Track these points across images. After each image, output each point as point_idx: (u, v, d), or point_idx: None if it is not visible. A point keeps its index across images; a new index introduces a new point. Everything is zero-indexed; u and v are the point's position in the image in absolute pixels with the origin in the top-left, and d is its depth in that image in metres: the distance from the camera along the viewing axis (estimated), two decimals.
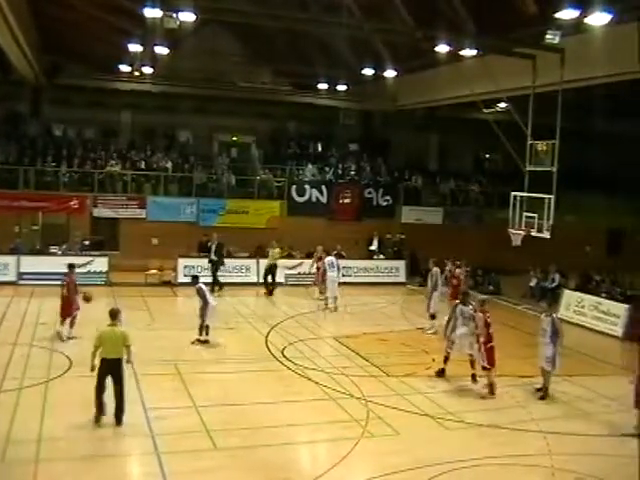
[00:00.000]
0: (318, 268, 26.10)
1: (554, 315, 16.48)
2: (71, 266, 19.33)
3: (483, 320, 15.74)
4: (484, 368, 15.70)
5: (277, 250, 27.03)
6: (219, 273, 26.54)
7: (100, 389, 12.58)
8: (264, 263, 27.27)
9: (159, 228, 29.72)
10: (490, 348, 15.62)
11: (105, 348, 12.59)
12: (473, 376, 16.39)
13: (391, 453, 12.05)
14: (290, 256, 29.73)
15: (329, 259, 24.79)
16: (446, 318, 17.24)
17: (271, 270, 26.79)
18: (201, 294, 18.69)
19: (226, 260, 27.36)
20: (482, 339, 15.62)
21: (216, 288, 25.42)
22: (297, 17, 23.42)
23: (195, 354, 17.74)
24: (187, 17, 19.88)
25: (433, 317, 21.41)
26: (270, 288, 26.65)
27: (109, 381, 12.60)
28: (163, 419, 12.99)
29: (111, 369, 12.57)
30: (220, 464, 11.35)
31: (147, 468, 11.12)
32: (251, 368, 16.90)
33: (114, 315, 13.01)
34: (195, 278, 19.75)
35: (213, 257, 26.49)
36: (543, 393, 15.87)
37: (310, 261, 27.22)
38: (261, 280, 27.29)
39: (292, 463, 11.71)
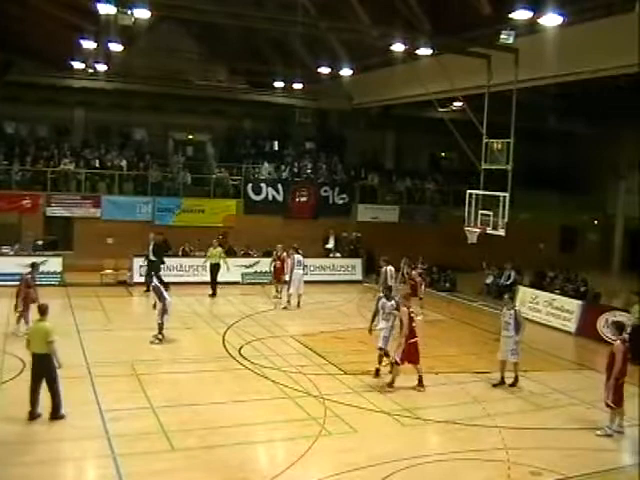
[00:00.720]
0: (275, 267, 26.04)
1: (516, 308, 17.00)
2: (33, 265, 19.60)
3: (407, 315, 15.79)
4: (395, 363, 15.77)
5: (218, 249, 26.52)
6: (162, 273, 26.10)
7: (32, 385, 12.68)
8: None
9: (114, 227, 29.39)
10: (412, 344, 15.68)
11: (33, 343, 12.84)
12: (377, 371, 16.54)
13: (348, 450, 12.08)
14: (247, 255, 29.68)
15: (298, 257, 24.78)
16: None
17: (213, 270, 26.31)
18: (157, 292, 18.60)
19: (183, 259, 27.15)
20: (405, 333, 15.59)
21: (143, 289, 25.34)
22: (253, 15, 23.38)
23: (152, 354, 17.59)
24: (142, 14, 19.68)
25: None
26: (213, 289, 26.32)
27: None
28: (119, 420, 12.86)
29: (38, 364, 12.68)
30: (177, 465, 11.26)
31: (103, 470, 10.97)
32: (208, 368, 16.80)
33: (43, 311, 13.18)
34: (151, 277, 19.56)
35: (152, 257, 25.88)
36: (514, 380, 16.39)
37: (269, 260, 27.04)
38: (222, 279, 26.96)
39: (250, 462, 11.66)
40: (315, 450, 12.01)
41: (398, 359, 15.66)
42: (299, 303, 24.47)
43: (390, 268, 22.36)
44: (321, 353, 18.48)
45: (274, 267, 26.22)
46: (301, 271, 24.53)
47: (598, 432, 13.26)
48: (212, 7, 22.05)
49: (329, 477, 11.02)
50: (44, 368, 12.66)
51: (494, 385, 16.49)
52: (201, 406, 13.97)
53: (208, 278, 26.38)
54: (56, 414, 12.66)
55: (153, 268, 25.13)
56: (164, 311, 18.47)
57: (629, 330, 20.20)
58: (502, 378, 16.52)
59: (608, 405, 13.38)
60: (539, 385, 16.65)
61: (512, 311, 16.51)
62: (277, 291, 25.71)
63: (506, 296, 17.79)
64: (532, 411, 14.93)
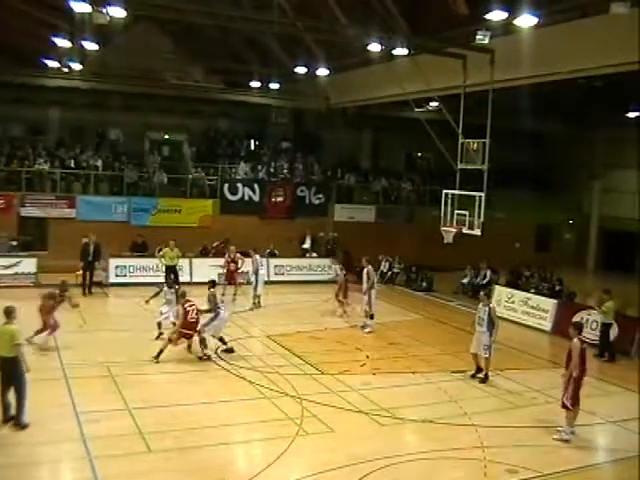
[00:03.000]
0: (229, 269, 25.65)
1: (491, 305, 17.27)
2: None
3: None
4: None
5: (176, 251, 25.85)
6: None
7: (1, 389, 12.48)
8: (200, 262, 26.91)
9: (90, 228, 29.08)
10: None
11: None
12: None
13: (326, 450, 12.09)
14: (224, 255, 29.48)
15: (259, 258, 24.77)
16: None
17: (170, 272, 25.52)
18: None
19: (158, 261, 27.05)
20: None
21: (86, 291, 25.16)
22: (229, 15, 23.29)
23: (128, 356, 17.41)
24: (117, 12, 19.55)
25: (372, 317, 21.57)
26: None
27: None
28: (95, 422, 12.74)
29: (6, 368, 12.40)
30: (154, 467, 11.20)
31: (80, 473, 10.88)
32: (185, 369, 16.71)
33: (8, 313, 12.76)
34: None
35: (91, 258, 25.63)
36: (483, 377, 16.63)
37: (249, 260, 26.80)
38: (194, 280, 26.75)
39: (228, 463, 11.64)
40: (292, 450, 12.00)
41: None
42: (260, 303, 24.40)
43: (370, 268, 22.34)
44: (298, 353, 18.46)
45: (227, 270, 25.75)
46: (264, 272, 24.60)
47: (555, 436, 13.23)
48: (189, 6, 21.99)
49: (306, 477, 11.01)
50: (12, 372, 12.39)
51: (471, 376, 16.84)
52: (178, 407, 13.90)
53: (187, 279, 26.19)
54: (18, 421, 12.37)
55: (94, 268, 25.38)
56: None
57: (598, 327, 20.58)
58: (478, 367, 16.87)
59: (565, 406, 13.25)
60: (515, 383, 16.76)
61: (487, 307, 16.79)
62: (234, 294, 25.25)
63: (482, 293, 18.12)
64: (508, 409, 15.01)
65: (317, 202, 35.46)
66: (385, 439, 12.89)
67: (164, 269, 25.81)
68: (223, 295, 24.02)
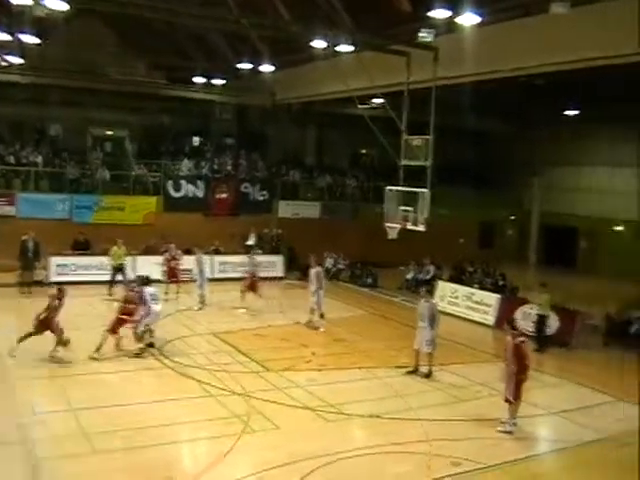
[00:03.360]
0: (170, 267, 25.13)
1: (432, 301, 17.59)
2: None
3: None
4: None
5: (123, 249, 25.58)
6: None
7: None
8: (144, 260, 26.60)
9: (30, 226, 28.48)
10: None
11: None
12: None
13: (272, 448, 12.07)
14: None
15: (203, 255, 24.59)
16: None
17: (117, 271, 25.32)
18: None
19: (103, 258, 26.62)
20: None
21: (26, 289, 24.72)
22: (174, 10, 23.01)
23: (71, 355, 17.10)
24: (58, 5, 19.18)
25: (322, 316, 21.55)
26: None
27: None
28: (39, 424, 12.52)
29: None
30: (99, 467, 11.03)
31: (22, 476, 10.67)
32: (129, 368, 16.50)
33: None
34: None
35: (30, 255, 25.26)
36: (427, 372, 16.81)
37: (190, 258, 26.51)
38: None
39: (174, 462, 11.56)
40: (238, 448, 11.95)
41: None
42: (205, 301, 24.16)
43: (319, 269, 22.23)
44: (244, 351, 18.39)
45: (169, 267, 25.20)
46: (208, 269, 24.64)
47: (499, 428, 13.45)
48: (133, 0, 21.65)
49: (252, 475, 10.99)
50: None
51: (408, 372, 16.98)
52: (123, 407, 13.72)
53: (132, 277, 25.78)
54: None
55: (30, 268, 25.09)
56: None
57: (535, 319, 21.00)
58: (416, 366, 17.00)
59: (507, 399, 13.49)
60: (459, 377, 16.97)
61: (427, 303, 17.05)
62: (177, 292, 24.79)
63: (423, 289, 18.36)
64: (453, 403, 15.19)
65: (261, 198, 35.38)
66: (331, 435, 12.93)
67: (111, 268, 25.41)
68: (166, 294, 23.79)
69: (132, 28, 30.69)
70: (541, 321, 20.88)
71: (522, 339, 13.82)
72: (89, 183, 32.04)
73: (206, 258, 24.83)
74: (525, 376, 13.50)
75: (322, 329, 21.36)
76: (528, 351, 13.93)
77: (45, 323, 16.56)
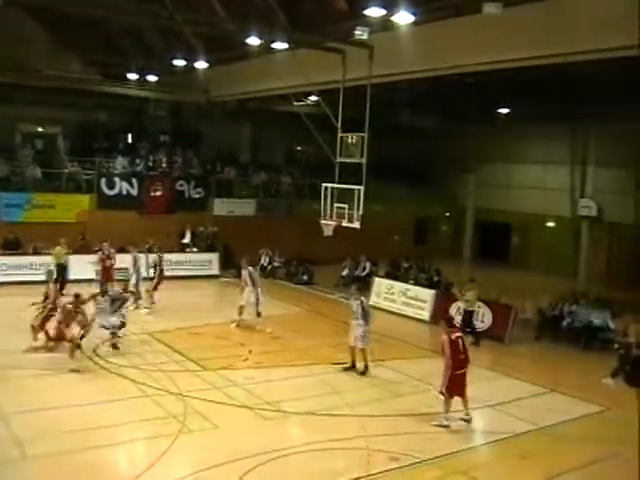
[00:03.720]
0: (105, 266, 24.42)
1: (362, 299, 17.54)
2: None
3: None
4: None
5: (64, 248, 25.38)
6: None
7: None
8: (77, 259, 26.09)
9: None
10: None
11: None
12: None
13: (210, 447, 11.98)
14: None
15: (138, 254, 24.22)
16: None
17: (60, 269, 24.96)
18: None
19: (34, 258, 26.05)
20: None
21: None
22: (107, 5, 22.67)
23: (2, 357, 16.69)
24: None
25: (259, 314, 21.33)
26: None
27: None
28: None
29: None
30: (30, 473, 10.82)
31: None
32: (63, 369, 16.13)
33: None
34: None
35: None
36: (364, 368, 16.87)
37: (126, 256, 26.02)
38: (72, 277, 25.74)
39: (110, 465, 11.36)
40: (176, 448, 11.83)
41: None
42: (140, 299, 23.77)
43: (251, 269, 22.03)
44: (179, 350, 18.22)
45: (102, 266, 24.49)
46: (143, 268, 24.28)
47: (434, 423, 13.63)
48: None
49: (190, 475, 10.90)
50: None
51: (345, 369, 17.04)
52: (56, 410, 13.41)
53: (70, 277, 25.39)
54: None
55: None
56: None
57: (463, 315, 21.31)
58: (353, 362, 17.09)
59: (442, 393, 13.73)
60: (396, 373, 17.12)
61: (358, 301, 17.19)
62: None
63: (353, 287, 18.52)
64: (390, 398, 15.31)
65: (197, 196, 35.12)
66: (269, 433, 12.90)
67: (55, 267, 24.80)
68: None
69: (64, 23, 30.01)
70: (468, 317, 21.13)
71: (458, 335, 14.06)
72: (19, 181, 31.27)
73: (141, 256, 24.47)
74: (463, 371, 13.75)
75: (263, 327, 21.08)
76: (466, 346, 14.13)
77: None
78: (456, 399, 13.79)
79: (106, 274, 24.40)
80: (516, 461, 12.31)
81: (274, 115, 36.79)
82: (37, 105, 34.12)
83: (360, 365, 17.00)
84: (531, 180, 38.94)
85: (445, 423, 13.56)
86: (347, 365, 17.17)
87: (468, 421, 13.85)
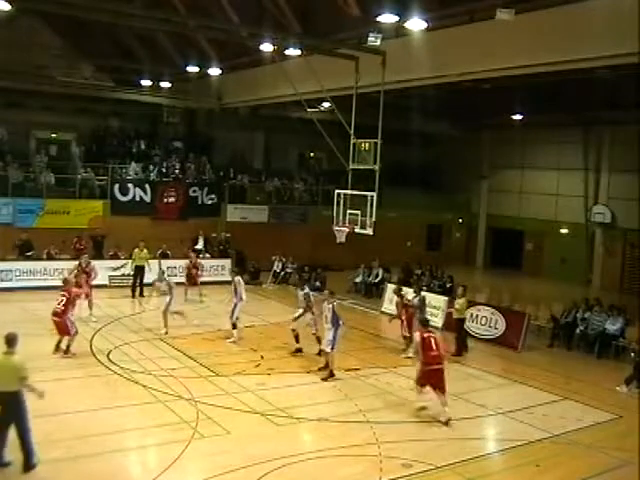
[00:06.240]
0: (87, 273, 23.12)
1: (334, 303, 17.43)
2: None
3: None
4: None
5: (145, 252, 26.22)
6: None
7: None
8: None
9: None
10: None
11: None
12: None
13: (222, 453, 11.98)
14: (116, 256, 28.57)
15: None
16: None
17: (139, 271, 26.20)
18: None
19: (48, 263, 26.12)
20: None
21: None
22: (120, 11, 22.76)
23: None
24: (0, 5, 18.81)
25: (234, 326, 20.38)
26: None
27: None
28: None
29: (2, 404, 11.01)
30: (44, 478, 10.80)
31: None
32: (75, 374, 16.20)
33: (10, 342, 11.32)
34: None
35: None
36: (327, 375, 16.91)
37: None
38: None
39: (122, 471, 11.37)
40: (188, 454, 11.83)
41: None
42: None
43: (238, 278, 21.43)
44: (192, 355, 18.25)
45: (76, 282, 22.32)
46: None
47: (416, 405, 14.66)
48: (77, 1, 21.30)
49: None
50: (9, 408, 11.03)
51: (319, 369, 17.36)
52: (69, 415, 13.45)
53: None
54: (28, 463, 10.89)
55: None
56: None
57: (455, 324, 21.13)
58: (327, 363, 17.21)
59: (416, 384, 14.65)
60: (407, 380, 16.96)
61: (330, 305, 17.15)
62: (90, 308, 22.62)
63: (326, 291, 18.50)
64: (401, 405, 15.24)
65: (210, 202, 35.15)
66: (281, 439, 12.87)
67: (133, 270, 26.31)
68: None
69: (78, 29, 30.27)
70: (459, 325, 20.89)
71: (430, 334, 14.60)
72: (33, 187, 31.41)
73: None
74: (439, 367, 14.30)
75: (232, 339, 20.16)
76: (438, 344, 14.46)
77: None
78: (434, 396, 14.31)
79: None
80: (529, 469, 12.23)
81: (287, 121, 36.83)
82: (51, 111, 34.36)
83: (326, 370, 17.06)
84: (544, 186, 38.79)
85: (420, 405, 14.49)
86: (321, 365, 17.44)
87: (446, 423, 13.98)
